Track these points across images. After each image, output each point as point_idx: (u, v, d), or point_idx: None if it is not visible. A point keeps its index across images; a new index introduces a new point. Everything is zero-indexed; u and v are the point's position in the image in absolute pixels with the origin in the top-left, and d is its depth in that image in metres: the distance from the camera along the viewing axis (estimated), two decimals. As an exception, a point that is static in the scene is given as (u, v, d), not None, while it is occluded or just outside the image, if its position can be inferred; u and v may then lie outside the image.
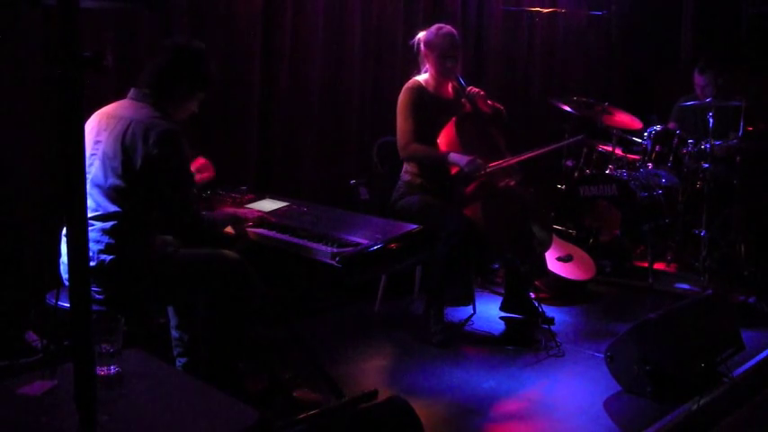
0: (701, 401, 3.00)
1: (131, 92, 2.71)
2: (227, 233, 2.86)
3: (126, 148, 2.53)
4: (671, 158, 4.90)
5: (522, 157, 3.84)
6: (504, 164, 3.78)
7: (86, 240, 1.48)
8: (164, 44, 2.79)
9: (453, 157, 3.73)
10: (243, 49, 3.88)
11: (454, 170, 3.76)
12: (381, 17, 4.60)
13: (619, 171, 5.06)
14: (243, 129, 3.93)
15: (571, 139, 3.83)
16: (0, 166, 3.09)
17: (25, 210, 3.16)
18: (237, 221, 2.85)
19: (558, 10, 5.77)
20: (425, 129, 3.85)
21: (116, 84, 3.34)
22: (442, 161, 3.79)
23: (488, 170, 3.72)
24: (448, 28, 3.88)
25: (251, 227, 2.84)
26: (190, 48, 2.74)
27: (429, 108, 3.87)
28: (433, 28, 3.90)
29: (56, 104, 1.38)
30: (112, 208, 2.56)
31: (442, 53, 3.83)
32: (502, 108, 4.01)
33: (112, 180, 2.55)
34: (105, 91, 3.26)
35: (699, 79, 5.34)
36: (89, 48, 1.40)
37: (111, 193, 2.56)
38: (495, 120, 3.98)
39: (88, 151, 2.60)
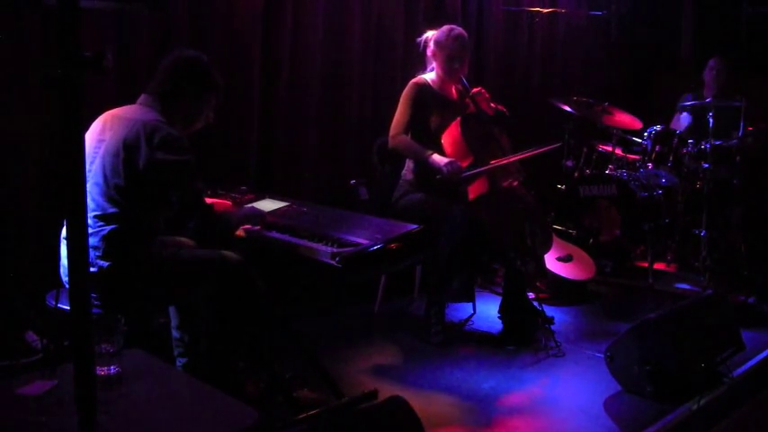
0: (701, 401, 3.00)
1: (141, 97, 2.74)
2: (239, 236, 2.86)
3: (128, 146, 2.55)
4: (671, 158, 4.91)
5: (490, 166, 3.72)
6: (481, 170, 3.71)
7: (86, 241, 1.48)
8: (170, 54, 2.80)
9: (434, 158, 3.73)
10: (243, 50, 3.88)
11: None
12: (381, 17, 4.60)
13: (619, 171, 5.06)
14: (243, 129, 3.93)
15: (547, 147, 3.86)
16: (0, 167, 3.09)
17: (25, 210, 3.15)
18: (255, 218, 2.86)
19: (558, 10, 5.76)
20: (426, 126, 3.87)
21: (116, 84, 3.35)
22: (423, 159, 3.79)
23: (466, 175, 3.70)
24: (459, 30, 3.91)
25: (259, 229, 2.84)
26: (189, 60, 2.75)
27: (432, 106, 3.89)
28: (445, 29, 3.92)
29: (56, 104, 1.38)
30: (111, 209, 2.56)
31: (451, 54, 3.86)
32: (504, 110, 4.05)
33: (112, 179, 2.56)
34: (105, 91, 3.26)
35: (718, 64, 5.40)
36: (89, 48, 1.40)
37: (110, 193, 2.56)
38: (498, 121, 4.00)
39: (91, 150, 2.61)
